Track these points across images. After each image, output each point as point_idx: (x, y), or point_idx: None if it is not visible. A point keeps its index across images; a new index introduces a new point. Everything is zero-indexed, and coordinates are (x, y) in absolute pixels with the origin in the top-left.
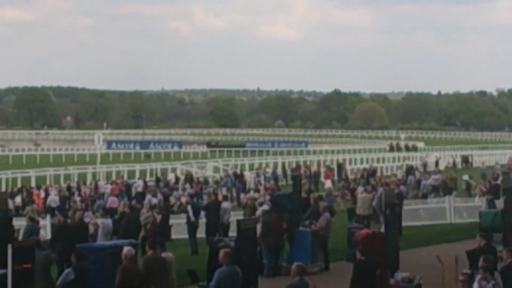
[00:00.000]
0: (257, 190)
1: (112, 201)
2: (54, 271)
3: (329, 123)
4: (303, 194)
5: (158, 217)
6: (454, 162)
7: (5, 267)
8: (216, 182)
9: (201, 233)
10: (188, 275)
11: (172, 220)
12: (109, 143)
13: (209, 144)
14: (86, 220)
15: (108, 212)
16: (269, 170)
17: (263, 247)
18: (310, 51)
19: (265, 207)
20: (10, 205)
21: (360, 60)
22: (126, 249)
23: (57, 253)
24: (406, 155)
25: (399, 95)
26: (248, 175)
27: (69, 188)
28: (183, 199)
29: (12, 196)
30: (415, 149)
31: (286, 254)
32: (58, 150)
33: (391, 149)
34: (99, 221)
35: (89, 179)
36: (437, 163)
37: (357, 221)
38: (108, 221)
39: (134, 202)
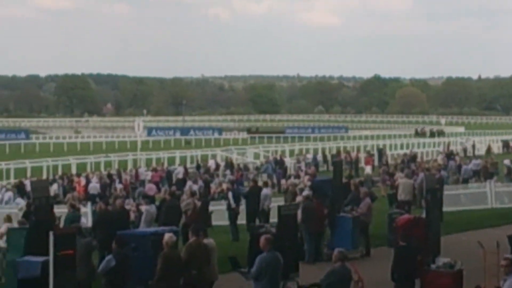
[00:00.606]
0: (297, 176)
1: (149, 188)
2: (95, 258)
3: (369, 109)
4: (344, 180)
5: (199, 204)
6: (489, 147)
7: (47, 254)
8: (257, 168)
9: (241, 220)
10: (229, 261)
11: (212, 207)
12: (149, 130)
13: (249, 131)
14: (127, 207)
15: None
16: (310, 156)
17: (304, 233)
18: (350, 36)
19: (306, 192)
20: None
21: (400, 45)
22: (167, 236)
23: (98, 240)
24: (438, 140)
25: (439, 80)
26: (289, 161)
27: (109, 176)
28: (224, 186)
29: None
30: (441, 134)
31: (327, 240)
32: (99, 137)
33: (416, 134)
34: (143, 207)
35: (129, 166)
36: (473, 148)
37: (398, 206)
38: (153, 208)
39: (174, 188)
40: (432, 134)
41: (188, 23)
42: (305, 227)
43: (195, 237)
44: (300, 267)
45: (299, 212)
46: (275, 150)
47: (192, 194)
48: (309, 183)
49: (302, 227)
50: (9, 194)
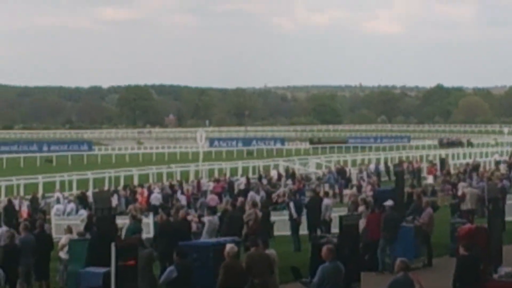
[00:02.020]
0: (359, 186)
1: (211, 199)
2: (157, 268)
3: (432, 118)
4: (407, 190)
5: (260, 214)
6: None
7: (109, 265)
8: (319, 179)
9: (303, 230)
10: (291, 271)
11: (274, 217)
12: (211, 141)
13: (311, 141)
14: (189, 218)
15: (210, 209)
16: (372, 166)
17: (382, 242)
18: (412, 46)
19: (389, 202)
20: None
21: (463, 54)
22: (229, 247)
23: (159, 251)
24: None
25: (502, 89)
26: (351, 171)
27: (171, 186)
28: (286, 196)
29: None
30: (470, 144)
31: (389, 249)
32: (161, 148)
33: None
34: (206, 218)
35: (191, 177)
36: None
37: (460, 215)
38: (215, 219)
39: (241, 200)
40: (452, 144)
41: (250, 33)
42: (383, 236)
43: (255, 248)
44: (362, 276)
45: (361, 222)
46: (337, 160)
47: (254, 204)
48: (371, 193)
49: (382, 235)
50: (72, 205)
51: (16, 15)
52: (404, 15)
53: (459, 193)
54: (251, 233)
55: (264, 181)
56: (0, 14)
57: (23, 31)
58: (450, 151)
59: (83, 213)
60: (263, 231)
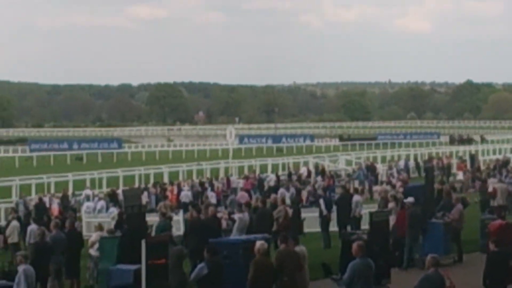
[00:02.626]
0: (388, 183)
1: (241, 196)
2: (187, 266)
3: (462, 114)
4: (437, 186)
5: (290, 211)
6: None
7: (140, 262)
8: (348, 175)
9: (333, 227)
10: (321, 268)
11: (304, 214)
12: (241, 138)
13: (341, 137)
14: (219, 215)
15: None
16: (401, 162)
17: (407, 240)
18: (441, 42)
19: (411, 199)
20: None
21: (492, 50)
22: (259, 244)
23: (189, 248)
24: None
25: None
26: (380, 168)
27: (201, 184)
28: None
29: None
30: (468, 141)
31: (416, 246)
32: (191, 145)
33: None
34: (236, 215)
35: (221, 174)
36: None
37: (490, 212)
38: (245, 216)
39: (273, 196)
40: (463, 141)
41: (279, 31)
42: (409, 233)
43: (284, 245)
44: (392, 273)
45: (391, 218)
46: (367, 156)
47: (283, 201)
48: (401, 190)
49: (407, 233)
50: (102, 203)
51: (48, 14)
52: (434, 12)
53: (490, 189)
54: (280, 230)
55: (294, 178)
56: (32, 13)
57: (54, 29)
58: (479, 147)
59: (113, 210)
60: (293, 228)
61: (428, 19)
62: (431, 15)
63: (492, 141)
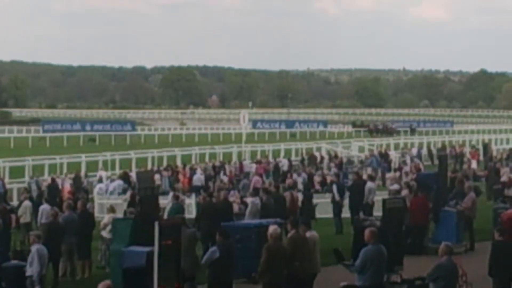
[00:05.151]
0: (399, 170)
1: (256, 181)
2: (199, 249)
3: (475, 103)
4: (450, 174)
5: (299, 196)
6: None
7: (152, 244)
8: (361, 162)
9: (345, 213)
10: (333, 253)
11: (317, 200)
12: (254, 122)
13: (354, 124)
14: (231, 199)
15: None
16: (414, 150)
17: None
18: (456, 30)
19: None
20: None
21: (507, 40)
22: (271, 228)
23: (202, 232)
24: None
25: None
26: (393, 155)
27: (214, 167)
28: (328, 179)
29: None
30: (388, 133)
31: (431, 234)
32: (204, 129)
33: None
34: (249, 200)
35: (234, 158)
36: None
37: (503, 201)
38: (257, 201)
39: (289, 181)
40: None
41: (294, 17)
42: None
43: (295, 230)
44: (404, 260)
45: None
46: (380, 143)
47: (293, 186)
48: (414, 177)
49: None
50: (114, 184)
51: None
52: (448, 0)
53: (503, 178)
54: (287, 215)
55: (306, 163)
56: None
57: (69, 11)
58: (492, 136)
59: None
60: (305, 213)
61: (443, 7)
62: (446, 3)
63: (506, 131)
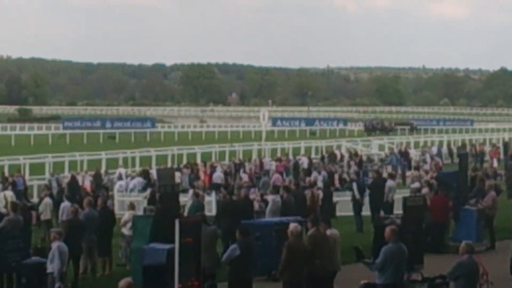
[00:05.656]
0: (417, 168)
1: (276, 179)
2: (220, 247)
3: (495, 102)
4: (471, 173)
5: (319, 194)
6: None
7: (173, 241)
8: (381, 160)
9: (365, 211)
10: (354, 251)
11: (337, 198)
12: (274, 120)
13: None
14: (251, 196)
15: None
16: (434, 148)
17: None
18: (476, 29)
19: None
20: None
21: None
22: (292, 226)
23: (222, 229)
24: None
25: None
26: (413, 153)
27: (234, 165)
28: (348, 177)
29: None
30: (385, 131)
31: (451, 232)
32: (224, 127)
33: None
34: (269, 197)
35: (254, 156)
36: None
37: None
38: (278, 198)
39: (308, 179)
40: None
41: (314, 14)
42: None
43: (315, 228)
44: (425, 258)
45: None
46: (400, 142)
47: (312, 184)
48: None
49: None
50: (134, 181)
51: None
52: None
53: None
54: (307, 213)
55: (326, 161)
56: None
57: (89, 7)
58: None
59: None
60: (325, 211)
61: (464, 4)
62: (466, 1)
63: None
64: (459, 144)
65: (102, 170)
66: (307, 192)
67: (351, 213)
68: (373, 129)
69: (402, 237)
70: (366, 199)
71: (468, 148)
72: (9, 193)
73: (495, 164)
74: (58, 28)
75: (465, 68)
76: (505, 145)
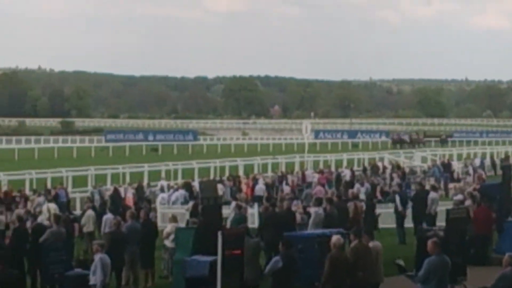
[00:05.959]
0: (458, 180)
1: (318, 191)
2: (262, 258)
3: None
4: None
5: (362, 206)
6: None
7: (215, 253)
8: (424, 172)
9: (408, 223)
10: (396, 265)
11: (380, 210)
12: (316, 133)
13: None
14: (294, 208)
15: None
16: (477, 160)
17: None
18: None
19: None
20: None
21: None
22: (335, 238)
23: (265, 241)
24: None
25: None
26: (456, 165)
27: (277, 177)
28: (391, 189)
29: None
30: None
31: (495, 244)
32: (266, 139)
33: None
34: (312, 209)
35: (296, 168)
36: None
37: None
38: (321, 210)
39: (352, 191)
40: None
41: (356, 26)
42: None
43: (358, 240)
44: (468, 271)
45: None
46: (442, 154)
47: (355, 196)
48: (477, 187)
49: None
50: (177, 194)
51: (124, 5)
52: None
53: None
54: (350, 225)
55: (369, 173)
56: (108, 4)
57: (130, 20)
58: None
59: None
60: (368, 223)
61: (507, 16)
62: (510, 12)
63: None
64: (502, 156)
65: (145, 183)
66: (350, 204)
67: (393, 225)
68: (400, 142)
69: (445, 249)
70: (409, 211)
71: (511, 160)
72: (52, 206)
73: None
74: (100, 41)
75: (508, 80)
76: None
